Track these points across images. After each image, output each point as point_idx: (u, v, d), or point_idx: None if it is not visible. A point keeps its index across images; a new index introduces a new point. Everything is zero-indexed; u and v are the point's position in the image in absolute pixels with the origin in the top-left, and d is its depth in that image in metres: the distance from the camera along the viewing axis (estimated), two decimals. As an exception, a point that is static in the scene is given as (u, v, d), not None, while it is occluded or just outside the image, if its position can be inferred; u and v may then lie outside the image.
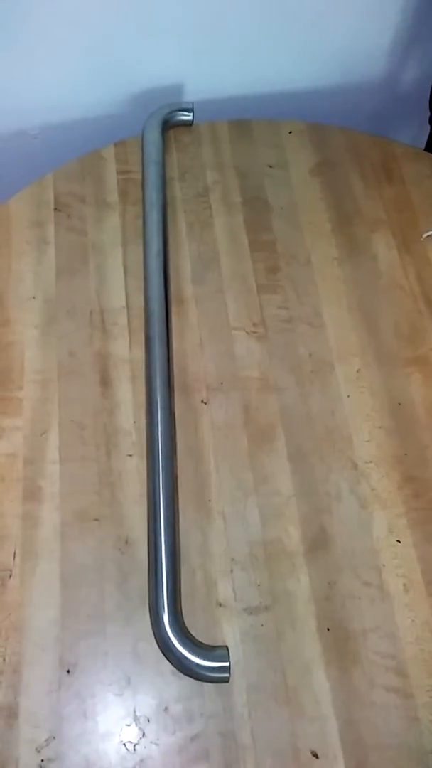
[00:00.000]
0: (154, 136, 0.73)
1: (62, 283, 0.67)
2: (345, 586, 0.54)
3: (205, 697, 0.50)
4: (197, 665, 0.49)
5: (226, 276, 0.68)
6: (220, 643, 0.52)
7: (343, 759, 0.49)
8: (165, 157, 0.74)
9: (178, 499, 0.57)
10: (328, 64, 0.84)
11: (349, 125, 0.79)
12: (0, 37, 0.72)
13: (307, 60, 0.83)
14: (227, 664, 0.49)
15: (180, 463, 0.58)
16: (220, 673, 0.49)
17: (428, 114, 0.81)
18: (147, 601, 0.52)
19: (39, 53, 0.75)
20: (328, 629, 0.53)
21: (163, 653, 0.50)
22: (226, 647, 0.50)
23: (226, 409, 0.61)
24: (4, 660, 0.51)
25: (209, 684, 0.50)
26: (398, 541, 0.56)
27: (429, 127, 0.82)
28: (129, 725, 0.50)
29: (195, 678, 0.50)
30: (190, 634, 0.51)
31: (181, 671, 0.50)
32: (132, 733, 0.49)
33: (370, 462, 0.59)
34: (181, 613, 0.52)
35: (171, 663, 0.50)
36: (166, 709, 0.50)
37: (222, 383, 0.62)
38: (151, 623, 0.51)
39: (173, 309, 0.66)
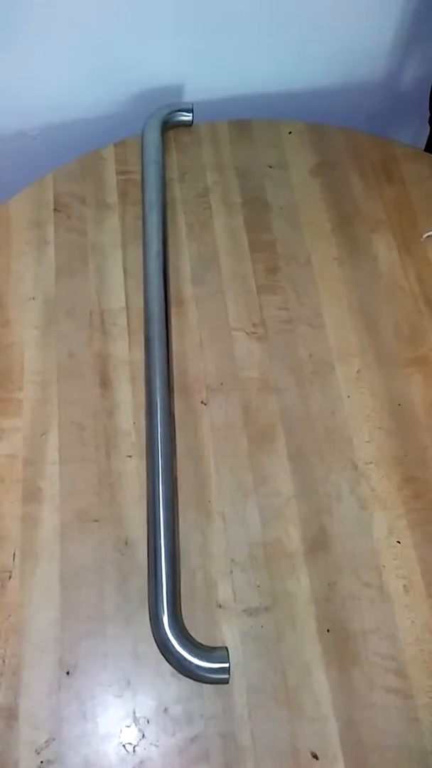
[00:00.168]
0: (153, 137, 0.73)
1: (62, 284, 0.67)
2: (345, 587, 0.54)
3: (204, 698, 0.50)
4: (197, 666, 0.49)
5: (226, 276, 0.68)
6: (219, 645, 0.52)
7: (343, 760, 0.49)
8: (165, 157, 0.74)
9: (177, 500, 0.57)
10: (328, 65, 0.84)
11: (349, 125, 0.79)
12: (0, 37, 0.72)
13: (307, 60, 0.83)
14: (227, 665, 0.49)
15: (180, 464, 0.58)
16: (219, 674, 0.49)
17: (428, 114, 0.81)
18: (147, 603, 0.52)
19: (39, 53, 0.75)
20: (328, 630, 0.53)
21: (162, 654, 0.50)
22: (226, 648, 0.50)
23: (225, 410, 0.61)
24: (3, 661, 0.51)
25: (209, 685, 0.50)
26: (398, 542, 0.56)
27: (429, 127, 0.82)
28: (129, 726, 0.50)
29: (195, 679, 0.50)
30: (190, 636, 0.50)
31: (181, 672, 0.50)
32: (132, 735, 0.49)
33: (370, 463, 0.59)
34: (181, 614, 0.52)
35: (171, 664, 0.50)
36: (165, 710, 0.50)
37: (222, 384, 0.62)
38: (151, 624, 0.51)
39: (173, 310, 0.66)
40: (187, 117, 0.77)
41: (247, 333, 0.65)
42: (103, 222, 0.71)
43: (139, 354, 0.63)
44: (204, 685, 0.50)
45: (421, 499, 0.58)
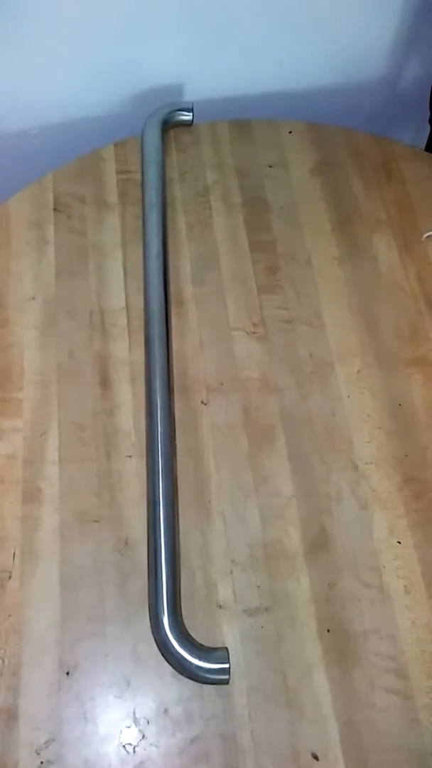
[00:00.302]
0: (153, 137, 0.73)
1: (62, 284, 0.67)
2: (345, 588, 0.54)
3: (205, 698, 0.50)
4: (197, 667, 0.49)
5: (226, 276, 0.68)
6: (219, 645, 0.52)
7: (343, 761, 0.49)
8: (165, 157, 0.74)
9: (177, 500, 0.57)
10: (329, 64, 0.84)
11: (350, 125, 0.79)
12: (0, 36, 0.72)
13: (307, 60, 0.83)
14: (227, 665, 0.49)
15: (180, 464, 0.58)
16: (220, 675, 0.49)
17: (428, 114, 0.81)
18: (147, 603, 0.52)
19: (39, 53, 0.75)
20: (328, 630, 0.53)
21: (162, 655, 0.50)
22: (226, 649, 0.50)
23: (226, 410, 0.61)
24: (3, 662, 0.51)
25: (209, 686, 0.50)
26: (399, 543, 0.56)
27: (429, 127, 0.82)
28: (129, 727, 0.49)
29: (195, 680, 0.50)
30: (190, 636, 0.50)
31: (181, 673, 0.50)
32: (132, 735, 0.49)
33: (371, 463, 0.59)
34: (181, 614, 0.52)
35: (171, 665, 0.50)
36: (165, 711, 0.50)
37: (222, 384, 0.62)
38: (151, 625, 0.51)
39: (173, 310, 0.66)
40: (187, 117, 0.77)
41: (247, 333, 0.65)
42: (103, 222, 0.71)
43: (139, 354, 0.63)
44: (204, 685, 0.50)
45: (421, 499, 0.58)
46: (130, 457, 0.59)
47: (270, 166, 0.76)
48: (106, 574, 0.54)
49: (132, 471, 0.58)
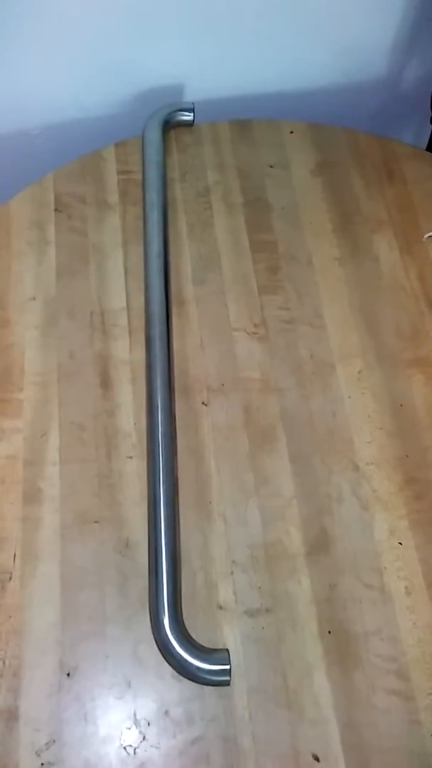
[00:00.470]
0: (154, 137, 0.73)
1: (62, 284, 0.67)
2: (346, 589, 0.54)
3: (205, 700, 0.50)
4: (198, 668, 0.49)
5: (227, 277, 0.68)
6: (220, 646, 0.51)
7: (344, 762, 0.48)
8: (166, 157, 0.74)
9: (178, 500, 0.57)
10: (330, 64, 0.84)
11: (351, 125, 0.79)
12: (0, 36, 0.72)
13: (308, 59, 0.83)
14: (228, 667, 0.49)
15: (180, 465, 0.58)
16: (220, 676, 0.49)
17: (430, 113, 0.81)
18: (147, 604, 0.52)
19: (40, 53, 0.75)
20: (329, 632, 0.53)
21: (163, 656, 0.50)
22: (227, 650, 0.50)
23: (226, 411, 0.61)
24: (4, 663, 0.51)
25: (210, 687, 0.50)
26: (400, 543, 0.56)
27: (430, 126, 0.82)
28: (129, 728, 0.49)
29: (195, 681, 0.50)
30: (191, 637, 0.50)
31: (182, 674, 0.50)
32: (132, 737, 0.49)
33: (372, 464, 0.59)
34: (182, 615, 0.51)
35: (171, 666, 0.50)
36: (166, 712, 0.50)
37: (223, 384, 0.62)
38: (152, 626, 0.51)
39: (174, 310, 0.65)
40: (188, 116, 0.76)
41: (248, 333, 0.65)
42: (103, 222, 0.71)
43: (140, 354, 0.63)
44: (205, 687, 0.50)
45: (422, 500, 0.58)
46: (130, 457, 0.59)
47: (271, 166, 0.76)
48: (106, 574, 0.54)
49: (132, 471, 0.58)
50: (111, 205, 0.72)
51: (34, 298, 0.66)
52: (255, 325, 0.66)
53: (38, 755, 0.48)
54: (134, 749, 0.49)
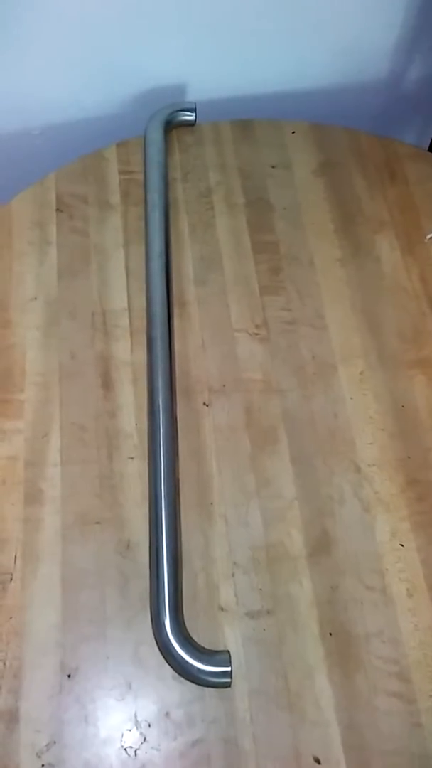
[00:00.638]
0: (156, 137, 0.73)
1: (64, 285, 0.67)
2: (348, 590, 0.54)
3: (206, 702, 0.50)
4: (199, 670, 0.49)
5: (229, 277, 0.68)
6: (221, 648, 0.51)
7: (345, 764, 0.48)
8: (167, 157, 0.74)
9: (179, 502, 0.56)
10: (332, 64, 0.84)
11: (353, 125, 0.79)
12: (1, 36, 0.72)
13: (310, 60, 0.83)
14: (229, 668, 0.49)
15: (182, 466, 0.58)
16: (221, 678, 0.49)
17: (432, 114, 0.81)
18: (148, 605, 0.52)
19: (41, 52, 0.75)
20: (330, 633, 0.52)
21: (164, 658, 0.50)
22: (228, 652, 0.50)
23: (228, 412, 0.61)
24: (4, 664, 0.51)
25: (211, 689, 0.50)
26: (401, 545, 0.56)
27: (433, 127, 0.82)
28: (130, 730, 0.49)
29: (196, 683, 0.50)
30: (192, 639, 0.50)
31: (183, 676, 0.50)
32: (133, 738, 0.49)
33: (373, 465, 0.59)
34: (183, 617, 0.51)
35: (172, 667, 0.50)
36: (167, 714, 0.50)
37: (224, 385, 0.62)
38: (153, 627, 0.51)
39: (175, 311, 0.65)
40: (189, 117, 0.76)
41: (249, 334, 0.65)
42: (105, 222, 0.71)
43: (142, 355, 0.62)
44: (206, 688, 0.50)
45: (424, 501, 0.58)
46: (132, 458, 0.58)
47: (273, 167, 0.76)
48: (107, 576, 0.54)
49: (134, 472, 0.58)
50: (112, 205, 0.72)
51: (35, 299, 0.66)
52: (256, 326, 0.65)
53: (39, 756, 0.48)
54: (135, 751, 0.49)
